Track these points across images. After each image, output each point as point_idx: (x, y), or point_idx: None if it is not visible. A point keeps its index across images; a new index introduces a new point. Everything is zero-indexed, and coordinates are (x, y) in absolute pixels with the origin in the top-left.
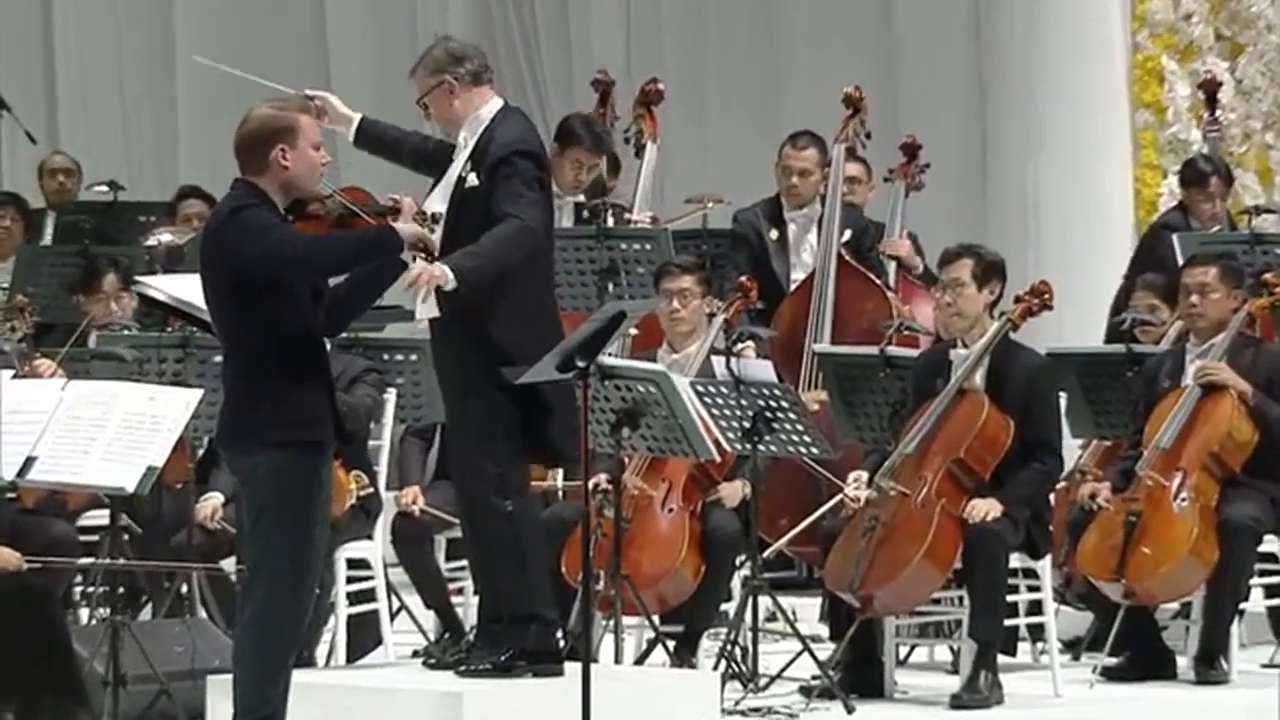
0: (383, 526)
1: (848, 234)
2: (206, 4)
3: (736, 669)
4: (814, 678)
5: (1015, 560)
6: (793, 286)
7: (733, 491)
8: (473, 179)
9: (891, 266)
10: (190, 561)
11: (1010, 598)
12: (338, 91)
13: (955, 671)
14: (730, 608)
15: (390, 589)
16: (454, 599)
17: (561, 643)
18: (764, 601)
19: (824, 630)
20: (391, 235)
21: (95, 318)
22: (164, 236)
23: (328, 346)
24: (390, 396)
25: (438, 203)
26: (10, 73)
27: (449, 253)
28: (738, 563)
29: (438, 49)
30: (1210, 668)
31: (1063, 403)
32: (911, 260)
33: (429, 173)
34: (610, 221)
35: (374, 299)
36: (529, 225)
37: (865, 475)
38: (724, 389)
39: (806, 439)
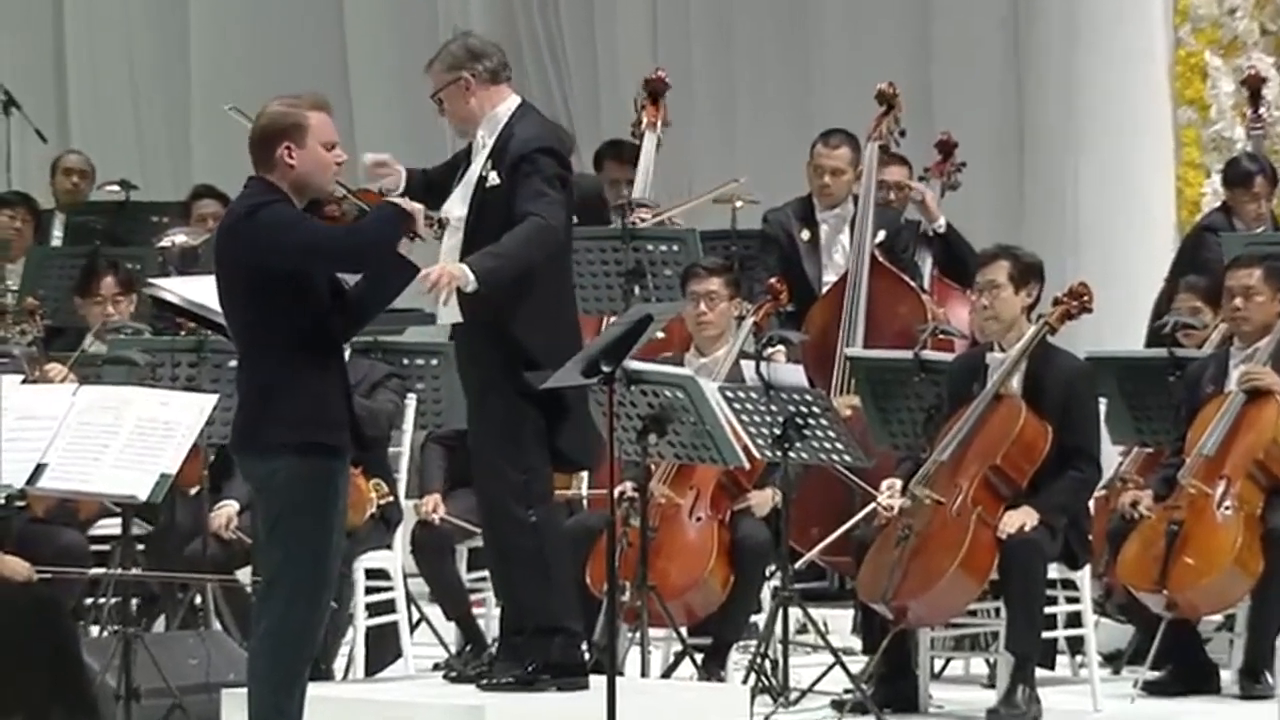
0: (402, 535)
1: (881, 234)
2: None
3: (766, 683)
4: (846, 691)
5: (1053, 571)
6: (824, 289)
7: (763, 500)
8: (494, 178)
9: (926, 268)
10: (204, 572)
11: (1048, 609)
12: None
13: (992, 685)
14: (760, 619)
15: (410, 600)
16: (476, 610)
17: (586, 655)
18: (795, 613)
19: (856, 643)
20: (396, 211)
21: (92, 321)
22: (178, 238)
23: (346, 351)
24: (410, 402)
25: (458, 206)
26: (20, 69)
27: (470, 254)
28: (768, 573)
29: (456, 44)
30: (1255, 682)
31: (1102, 408)
32: (933, 211)
33: (440, 198)
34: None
35: (387, 302)
36: (550, 224)
37: (899, 483)
38: (754, 394)
39: (839, 446)
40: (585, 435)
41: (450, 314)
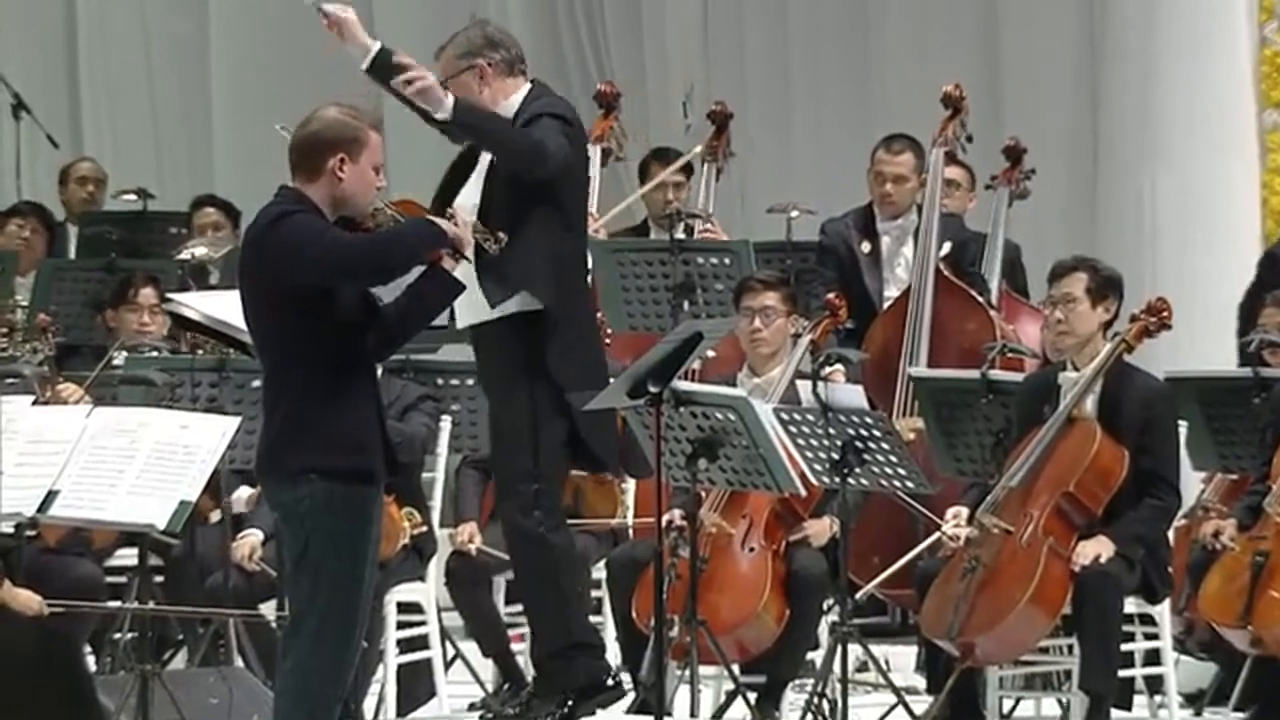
0: (437, 567)
1: (947, 247)
2: None
3: None
4: None
5: (1130, 605)
6: (886, 304)
7: (820, 529)
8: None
9: (994, 282)
10: (226, 606)
11: (1125, 646)
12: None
13: None
14: (817, 656)
15: (444, 635)
16: (514, 646)
17: (630, 692)
18: (854, 650)
19: (920, 681)
20: (433, 227)
21: (124, 331)
22: (197, 250)
23: (378, 371)
24: (445, 424)
25: (473, 194)
26: (29, 70)
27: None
28: (825, 607)
29: (473, 30)
30: None
31: (1182, 432)
32: None
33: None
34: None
35: (428, 320)
36: (538, 138)
37: (965, 511)
38: (810, 416)
39: (901, 471)
40: (608, 435)
41: (473, 314)
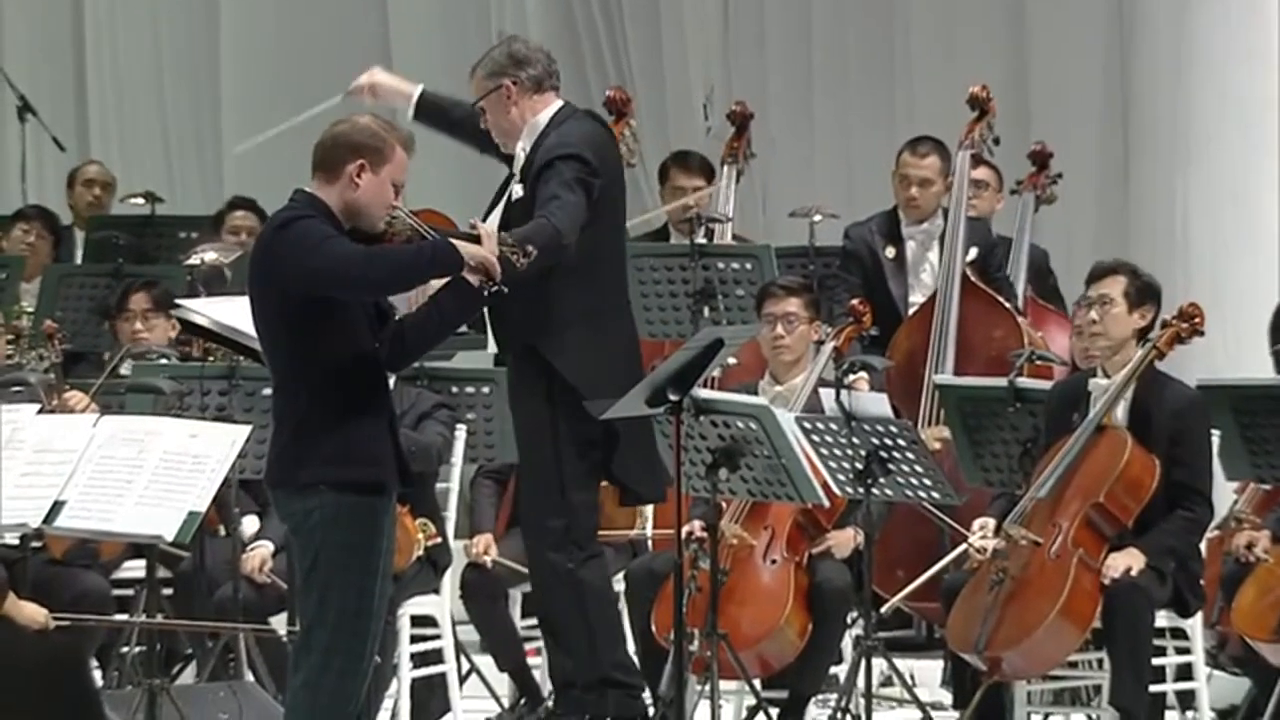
0: (451, 579)
1: (973, 252)
2: None
3: None
4: None
5: (1162, 618)
6: (911, 310)
7: (843, 540)
8: (518, 190)
9: (1020, 288)
10: (236, 619)
11: (1156, 660)
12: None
13: None
14: (841, 671)
15: (460, 649)
16: (531, 660)
17: (650, 709)
18: (878, 664)
19: (946, 697)
20: (451, 251)
21: (123, 341)
22: (207, 254)
23: (391, 379)
24: (460, 434)
25: (494, 223)
26: (36, 72)
27: None
28: (849, 620)
29: (499, 49)
30: None
31: (1215, 441)
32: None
33: (493, 154)
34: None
35: (449, 331)
36: (553, 227)
37: (992, 522)
38: (834, 425)
39: (926, 481)
40: (653, 466)
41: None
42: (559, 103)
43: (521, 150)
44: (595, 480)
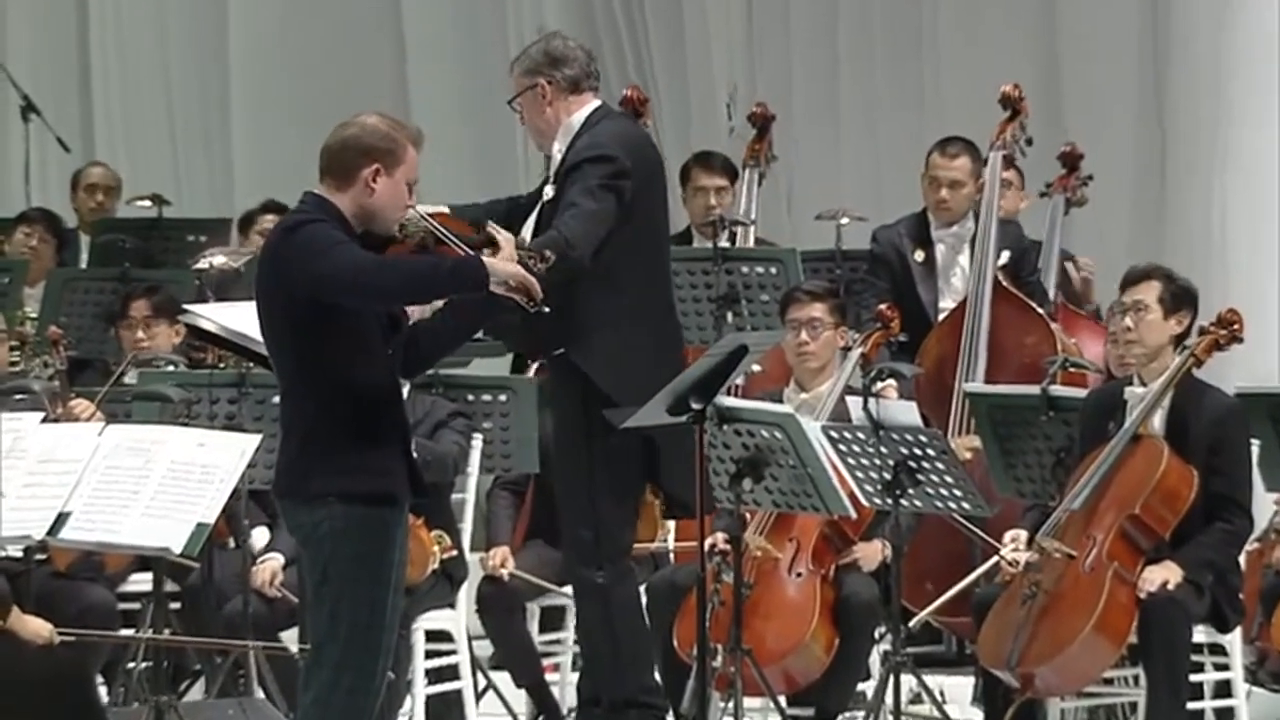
0: (467, 593)
1: (1005, 255)
2: None
3: None
4: None
5: (1200, 634)
6: (941, 316)
7: (871, 553)
8: (549, 192)
9: (1051, 292)
10: (246, 634)
11: (1194, 677)
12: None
13: None
14: (868, 688)
15: (475, 665)
16: (549, 676)
17: None
18: (907, 680)
19: (977, 714)
20: (476, 268)
21: (127, 350)
22: (216, 259)
23: (405, 387)
24: (476, 443)
25: (526, 232)
26: (40, 71)
27: None
28: (877, 635)
29: (537, 46)
30: None
31: (1254, 451)
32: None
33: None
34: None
35: (462, 340)
36: (563, 238)
37: (1025, 535)
38: (861, 434)
39: (956, 492)
40: (690, 474)
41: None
42: (595, 103)
43: (557, 151)
44: (630, 493)
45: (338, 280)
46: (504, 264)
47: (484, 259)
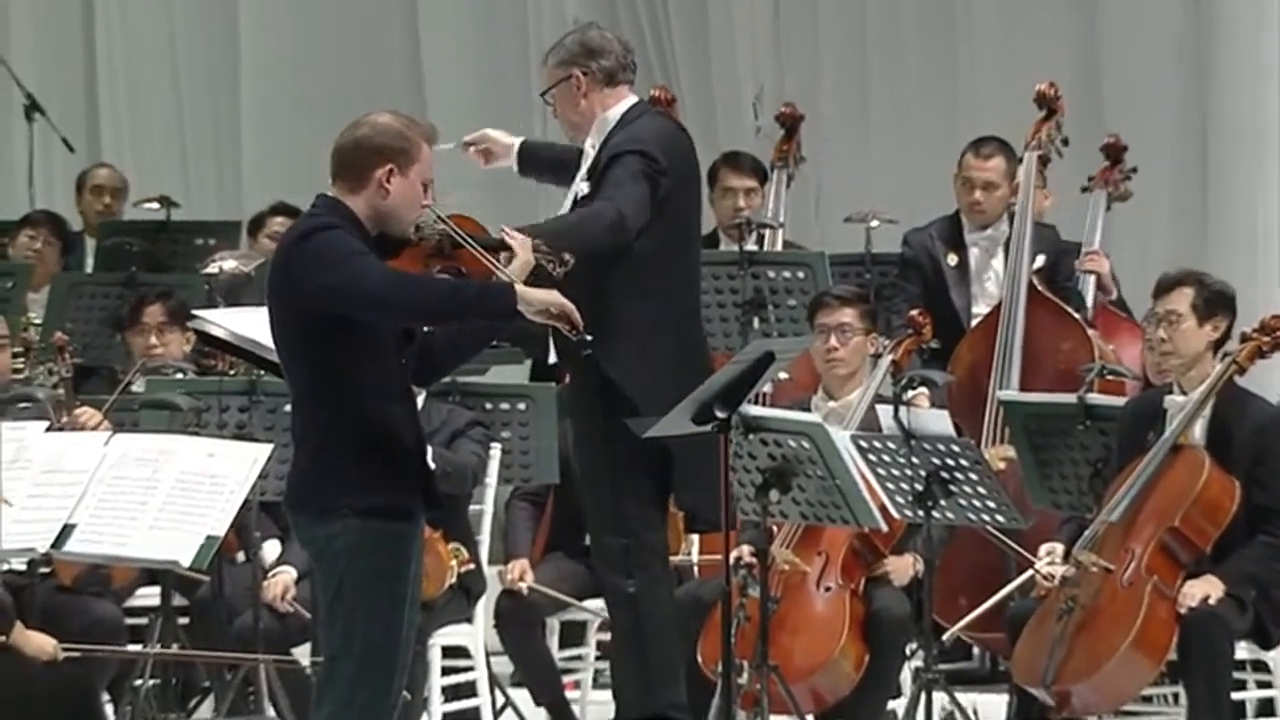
0: (485, 607)
1: (1040, 259)
2: None
3: None
4: None
5: (1242, 650)
6: (974, 321)
7: (902, 567)
8: (584, 188)
9: (1090, 296)
10: (256, 650)
11: (1236, 695)
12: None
13: None
14: (899, 706)
15: (494, 682)
16: (569, 694)
17: None
18: (939, 698)
19: None
20: (504, 295)
21: (137, 356)
22: (226, 263)
23: (420, 396)
24: (494, 453)
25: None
26: (44, 68)
27: None
28: (908, 651)
29: (572, 37)
30: None
31: None
32: (1108, 283)
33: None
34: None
35: (480, 348)
36: (613, 209)
37: (1061, 548)
38: (891, 444)
39: (990, 504)
40: (714, 486)
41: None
42: (633, 98)
43: (591, 146)
44: (656, 495)
45: (351, 294)
46: (540, 291)
47: (517, 286)
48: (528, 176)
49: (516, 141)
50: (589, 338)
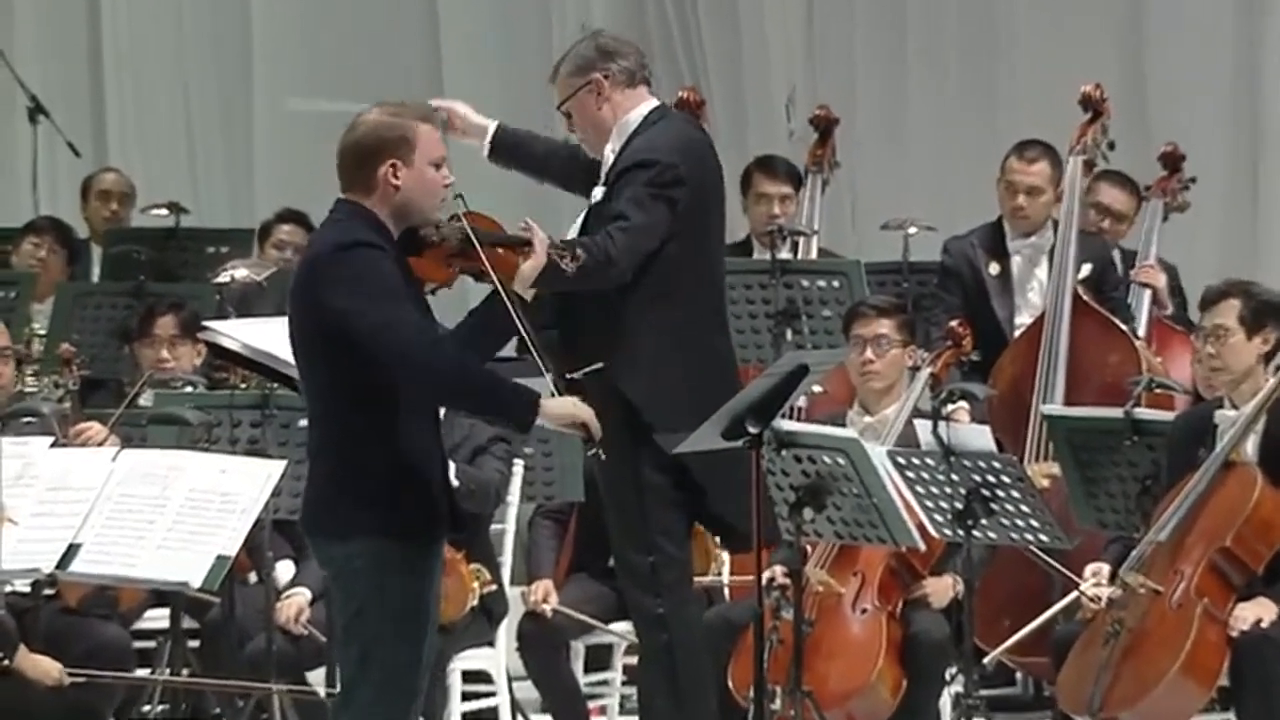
0: (507, 630)
1: (1086, 268)
2: None
3: None
4: None
5: None
6: (1017, 332)
7: (941, 588)
8: (598, 194)
9: (1144, 307)
10: (269, 675)
11: None
12: (451, 97)
13: None
14: None
15: (516, 707)
16: None
17: None
18: None
19: None
20: (526, 406)
21: (147, 368)
22: (238, 272)
23: (441, 411)
24: (517, 469)
25: (575, 230)
26: (48, 68)
27: None
28: (947, 676)
29: (584, 44)
30: None
31: None
32: (1164, 297)
33: (580, 191)
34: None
35: (489, 356)
36: (603, 252)
37: (1107, 569)
38: (930, 460)
39: (1033, 523)
40: (745, 500)
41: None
42: (653, 102)
43: (610, 152)
44: (685, 513)
45: (380, 346)
46: (560, 405)
47: (541, 400)
48: (496, 164)
49: (491, 125)
50: (604, 455)
